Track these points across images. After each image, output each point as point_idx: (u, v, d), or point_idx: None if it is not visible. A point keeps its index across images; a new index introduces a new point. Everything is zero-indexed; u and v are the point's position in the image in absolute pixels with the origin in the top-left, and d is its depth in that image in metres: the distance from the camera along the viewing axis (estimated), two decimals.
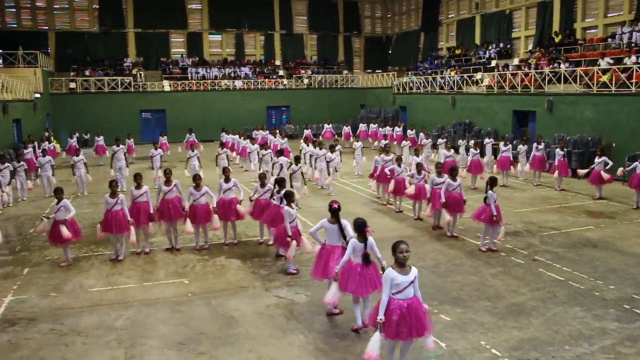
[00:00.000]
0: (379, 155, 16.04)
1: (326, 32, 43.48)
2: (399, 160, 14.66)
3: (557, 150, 17.44)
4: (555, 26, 28.23)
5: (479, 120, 26.87)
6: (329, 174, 17.60)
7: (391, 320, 5.76)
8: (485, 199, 10.85)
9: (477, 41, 34.44)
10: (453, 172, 11.93)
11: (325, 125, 30.51)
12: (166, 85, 36.38)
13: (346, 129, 30.12)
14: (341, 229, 7.63)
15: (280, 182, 10.95)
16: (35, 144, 21.56)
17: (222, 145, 20.41)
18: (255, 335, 7.39)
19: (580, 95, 21.13)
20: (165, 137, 26.30)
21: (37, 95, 28.93)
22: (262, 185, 11.47)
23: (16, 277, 9.89)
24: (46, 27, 37.00)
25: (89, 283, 9.53)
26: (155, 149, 20.09)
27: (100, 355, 6.91)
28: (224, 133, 26.54)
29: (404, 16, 43.26)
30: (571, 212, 14.37)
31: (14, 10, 36.32)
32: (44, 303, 8.64)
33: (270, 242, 11.28)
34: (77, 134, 26.68)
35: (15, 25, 36.41)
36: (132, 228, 10.62)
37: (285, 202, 9.77)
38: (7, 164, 16.04)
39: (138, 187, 11.05)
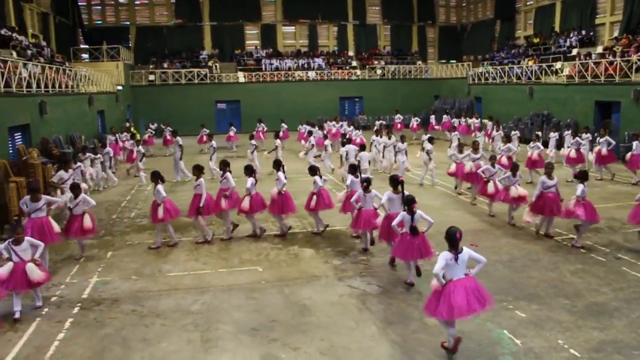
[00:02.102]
0: (462, 151, 15.15)
1: (400, 22, 42.94)
2: (492, 159, 13.19)
3: (635, 142, 16.56)
4: None
5: (558, 111, 25.78)
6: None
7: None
8: None
9: (557, 29, 33.01)
10: (584, 176, 10.61)
11: (395, 117, 30.19)
12: (241, 77, 37.12)
13: (414, 121, 29.53)
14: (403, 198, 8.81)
15: (353, 167, 11.26)
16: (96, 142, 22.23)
17: (276, 136, 20.78)
18: (328, 324, 7.46)
19: None
20: (233, 127, 26.87)
21: (119, 88, 30.30)
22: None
23: (101, 260, 10.44)
24: (128, 22, 38.61)
25: (167, 268, 9.91)
26: (210, 140, 19.86)
27: (177, 337, 7.18)
28: (283, 124, 26.82)
29: (479, 4, 42.09)
30: None
31: (99, 7, 38.17)
32: (125, 285, 9.08)
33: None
34: (154, 124, 27.71)
35: (100, 22, 38.21)
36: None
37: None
38: (106, 149, 18.66)
39: (197, 178, 11.23)
